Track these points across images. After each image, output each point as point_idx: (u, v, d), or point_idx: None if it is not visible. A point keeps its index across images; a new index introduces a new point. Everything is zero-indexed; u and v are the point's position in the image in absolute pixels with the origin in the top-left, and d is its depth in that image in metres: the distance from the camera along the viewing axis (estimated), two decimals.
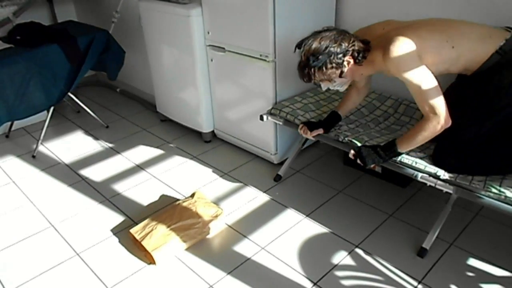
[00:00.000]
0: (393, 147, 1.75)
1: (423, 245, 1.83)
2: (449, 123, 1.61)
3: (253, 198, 2.28)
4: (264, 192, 2.32)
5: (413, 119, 2.13)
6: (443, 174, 1.69)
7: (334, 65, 1.69)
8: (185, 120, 2.92)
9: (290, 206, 2.19)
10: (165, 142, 2.90)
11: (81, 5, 3.69)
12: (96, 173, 2.58)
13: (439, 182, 1.70)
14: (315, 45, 1.67)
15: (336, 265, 1.81)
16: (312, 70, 1.70)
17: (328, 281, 1.74)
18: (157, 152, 2.78)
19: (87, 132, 3.09)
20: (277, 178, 2.41)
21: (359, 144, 1.88)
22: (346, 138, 1.95)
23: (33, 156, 2.80)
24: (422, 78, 1.59)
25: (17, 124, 3.12)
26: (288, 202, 2.22)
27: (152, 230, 1.94)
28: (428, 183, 1.73)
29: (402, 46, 1.58)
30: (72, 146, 2.91)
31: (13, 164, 2.73)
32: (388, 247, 1.90)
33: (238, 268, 1.82)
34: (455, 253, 1.85)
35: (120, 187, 2.43)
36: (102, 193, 2.38)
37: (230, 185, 2.39)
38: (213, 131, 2.85)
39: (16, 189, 2.47)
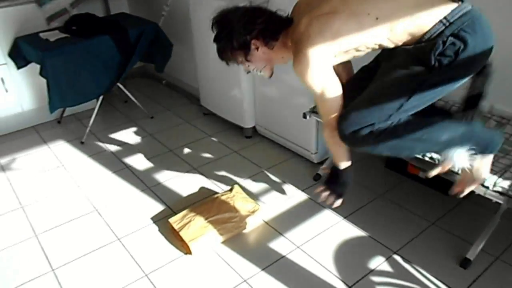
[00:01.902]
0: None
1: (467, 256, 1.75)
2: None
3: (291, 196, 2.27)
4: (303, 190, 2.30)
5: None
6: (495, 183, 1.60)
7: (236, 45, 1.50)
8: (227, 114, 2.95)
9: (328, 206, 2.16)
10: (207, 135, 2.94)
11: None
12: (139, 162, 2.66)
13: (488, 191, 1.61)
14: (218, 23, 1.53)
15: (372, 270, 1.78)
16: (219, 50, 1.56)
17: (363, 285, 1.71)
18: (199, 144, 2.83)
19: (133, 122, 3.19)
20: (317, 178, 2.39)
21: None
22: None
23: (82, 142, 2.92)
24: (324, 89, 1.46)
25: (69, 110, 3.27)
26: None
27: (190, 221, 1.98)
28: (477, 192, 1.65)
29: (305, 62, 1.41)
30: (118, 134, 3.02)
31: (63, 148, 2.87)
32: (428, 255, 1.83)
33: (273, 265, 1.83)
34: (500, 267, 1.76)
35: (161, 177, 2.49)
36: (144, 181, 2.46)
37: (268, 182, 2.40)
38: (254, 127, 2.86)
39: (65, 172, 2.59)
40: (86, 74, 2.75)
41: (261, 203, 2.20)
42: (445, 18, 1.38)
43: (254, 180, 2.42)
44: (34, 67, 2.86)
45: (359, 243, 1.93)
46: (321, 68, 1.44)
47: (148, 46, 2.93)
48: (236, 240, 1.98)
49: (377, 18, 1.40)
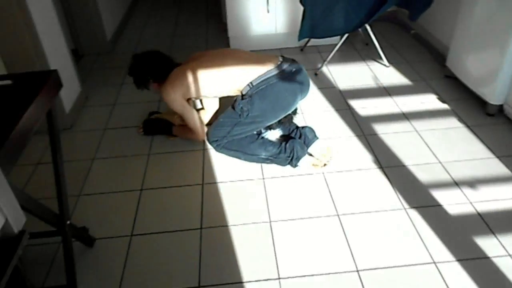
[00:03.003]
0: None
1: None
2: (204, 136, 2.33)
3: None
4: None
5: None
6: None
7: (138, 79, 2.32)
8: (473, 83, 2.59)
9: None
10: (442, 100, 2.68)
11: None
12: (362, 106, 2.65)
13: None
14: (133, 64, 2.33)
15: None
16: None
17: None
18: (429, 107, 2.61)
19: (368, 66, 3.14)
20: None
21: None
22: None
23: (316, 74, 3.06)
24: (183, 110, 2.25)
25: (312, 41, 3.43)
26: None
27: None
28: None
29: (169, 94, 2.20)
30: (350, 75, 3.04)
31: None
32: None
33: (471, 261, 1.63)
34: None
35: (379, 128, 2.43)
36: (362, 127, 2.45)
37: (498, 171, 2.07)
38: (501, 106, 2.45)
39: None
40: (340, 9, 2.78)
41: (473, 191, 1.93)
42: (251, 82, 2.08)
43: (474, 165, 2.12)
44: None
45: None
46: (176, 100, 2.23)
47: None
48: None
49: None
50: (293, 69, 2.11)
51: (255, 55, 2.22)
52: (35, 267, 1.71)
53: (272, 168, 2.17)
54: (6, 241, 0.94)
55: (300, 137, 2.23)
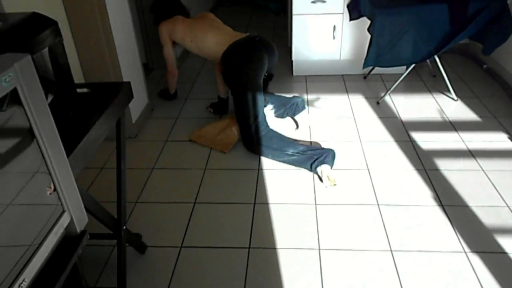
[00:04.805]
0: None
1: None
2: (175, 72, 3.01)
3: None
4: None
5: None
6: None
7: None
8: None
9: None
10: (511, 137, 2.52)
11: None
12: (425, 140, 2.54)
13: None
14: None
15: None
16: None
17: None
18: (499, 146, 2.46)
19: (434, 99, 3.03)
20: None
21: None
22: None
23: (378, 103, 3.00)
24: (164, 44, 2.84)
25: (377, 69, 3.37)
26: None
27: None
28: None
29: (162, 25, 2.80)
30: (414, 106, 2.94)
31: (359, 102, 3.03)
32: None
33: None
34: None
35: (442, 164, 2.32)
36: (423, 161, 2.35)
37: None
38: None
39: (353, 125, 2.75)
40: (408, 39, 2.72)
41: None
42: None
43: None
44: (363, 22, 3.04)
45: None
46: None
47: (485, 24, 2.62)
48: None
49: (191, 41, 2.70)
50: (256, 37, 2.58)
51: (231, 32, 2.69)
52: (90, 267, 1.79)
53: (325, 194, 2.13)
54: (69, 239, 1.00)
55: (291, 106, 2.73)
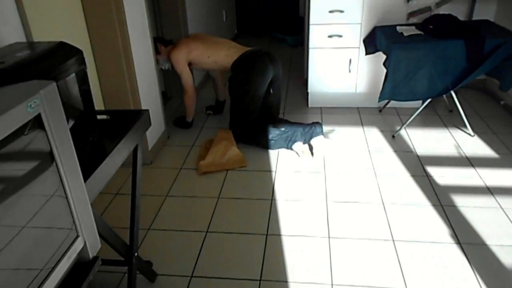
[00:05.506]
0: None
1: None
2: (195, 96, 3.14)
3: None
4: None
5: None
6: None
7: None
8: None
9: None
10: None
11: (504, 5, 3.44)
12: (441, 175, 2.51)
13: None
14: None
15: None
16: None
17: None
18: None
19: (450, 134, 3.01)
20: None
21: None
22: None
23: (393, 136, 2.99)
24: (182, 70, 3.01)
25: (392, 103, 3.38)
26: None
27: None
28: None
29: (175, 53, 2.98)
30: (430, 141, 2.92)
31: (374, 136, 3.02)
32: None
33: None
34: None
35: (459, 200, 2.27)
36: (439, 197, 2.31)
37: None
38: None
39: (368, 158, 2.73)
40: (424, 73, 2.73)
41: None
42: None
43: None
44: (379, 56, 3.07)
45: None
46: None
47: (502, 61, 2.63)
48: None
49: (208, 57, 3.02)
50: (261, 49, 2.96)
51: (239, 46, 3.05)
52: None
53: (339, 227, 2.10)
54: (81, 264, 1.00)
55: (309, 131, 2.89)
